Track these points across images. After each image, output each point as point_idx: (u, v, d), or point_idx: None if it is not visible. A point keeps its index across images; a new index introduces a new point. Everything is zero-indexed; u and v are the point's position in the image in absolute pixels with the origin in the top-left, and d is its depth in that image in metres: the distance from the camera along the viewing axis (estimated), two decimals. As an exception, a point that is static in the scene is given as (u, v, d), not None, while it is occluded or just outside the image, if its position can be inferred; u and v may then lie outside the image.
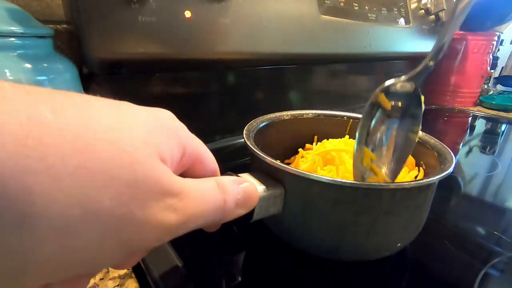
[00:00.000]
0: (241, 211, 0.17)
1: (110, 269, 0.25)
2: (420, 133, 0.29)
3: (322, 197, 0.23)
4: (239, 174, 0.21)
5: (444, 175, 0.23)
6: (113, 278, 0.24)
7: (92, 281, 0.23)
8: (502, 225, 0.33)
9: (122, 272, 0.24)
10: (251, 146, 0.26)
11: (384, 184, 0.22)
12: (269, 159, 0.24)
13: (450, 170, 0.24)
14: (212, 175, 0.18)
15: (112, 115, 0.12)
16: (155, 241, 0.13)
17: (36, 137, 0.09)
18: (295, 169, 0.22)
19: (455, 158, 0.26)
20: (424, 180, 0.22)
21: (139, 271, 0.25)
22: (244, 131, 0.29)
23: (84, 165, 0.10)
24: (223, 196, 0.15)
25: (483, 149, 0.60)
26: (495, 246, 0.29)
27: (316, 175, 0.22)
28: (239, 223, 0.18)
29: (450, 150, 0.27)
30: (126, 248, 0.12)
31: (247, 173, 0.23)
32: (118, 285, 0.23)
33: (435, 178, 0.22)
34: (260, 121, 0.33)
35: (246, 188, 0.18)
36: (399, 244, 0.25)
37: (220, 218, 0.16)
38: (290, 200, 0.24)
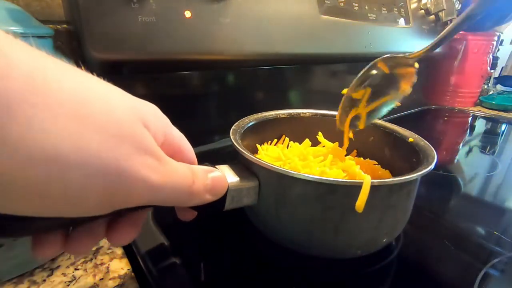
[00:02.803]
0: (209, 197, 0.19)
1: (110, 269, 0.25)
2: (415, 135, 0.31)
3: (291, 191, 0.23)
4: (217, 166, 0.22)
5: (413, 177, 0.22)
6: (113, 278, 0.24)
7: (92, 281, 0.23)
8: (502, 225, 0.33)
9: (122, 272, 0.24)
10: (233, 140, 0.27)
11: (349, 181, 0.22)
12: (245, 152, 0.24)
13: (418, 174, 0.23)
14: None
15: (106, 85, 0.14)
16: (137, 197, 0.14)
17: (40, 79, 0.11)
18: (266, 163, 0.23)
19: (435, 162, 0.25)
20: (390, 180, 0.22)
21: (139, 271, 0.25)
22: (233, 126, 0.30)
23: (78, 112, 0.11)
24: (192, 178, 0.17)
25: (483, 149, 0.60)
26: (495, 246, 0.29)
27: (285, 170, 0.22)
28: (228, 215, 0.18)
29: (435, 153, 0.27)
30: (107, 196, 0.13)
31: (226, 165, 0.24)
32: (118, 285, 0.23)
33: (402, 178, 0.22)
34: (254, 119, 0.34)
35: (214, 177, 0.19)
36: (372, 245, 0.25)
37: (188, 198, 0.17)
38: (264, 192, 0.24)
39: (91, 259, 0.26)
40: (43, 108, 0.10)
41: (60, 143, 0.11)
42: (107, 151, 0.12)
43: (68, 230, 0.16)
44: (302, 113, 0.38)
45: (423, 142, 0.29)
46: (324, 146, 0.35)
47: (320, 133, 0.35)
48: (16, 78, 0.10)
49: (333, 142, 0.35)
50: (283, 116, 0.37)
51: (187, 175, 0.17)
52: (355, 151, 0.37)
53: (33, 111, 0.10)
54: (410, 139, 0.31)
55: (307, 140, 0.36)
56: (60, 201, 0.12)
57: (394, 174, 0.32)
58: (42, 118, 0.10)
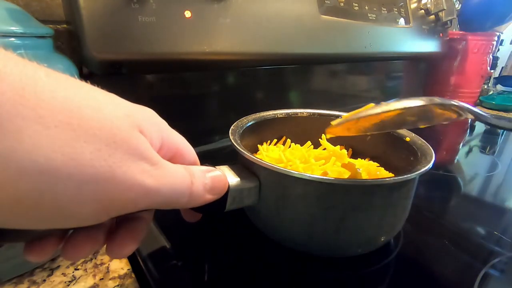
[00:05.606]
0: (210, 196, 0.19)
1: (110, 269, 0.25)
2: (413, 134, 0.31)
3: (292, 190, 0.23)
4: (217, 166, 0.22)
5: (412, 176, 0.23)
6: (113, 278, 0.24)
7: (92, 281, 0.23)
8: (502, 225, 0.33)
9: (122, 272, 0.24)
10: (233, 140, 0.27)
11: (350, 180, 0.22)
12: (245, 153, 0.25)
13: (418, 172, 0.23)
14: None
15: (100, 92, 0.14)
16: (133, 202, 0.14)
17: (31, 91, 0.11)
18: (267, 163, 0.23)
19: (433, 161, 0.25)
20: (390, 179, 0.22)
21: (139, 271, 0.25)
22: (232, 126, 0.30)
23: (70, 121, 0.11)
24: (191, 179, 0.17)
25: (483, 149, 0.60)
26: (495, 246, 0.29)
27: (286, 169, 0.22)
28: (228, 216, 0.18)
29: (433, 152, 0.27)
30: (103, 203, 0.13)
31: (226, 166, 0.24)
32: (118, 285, 0.23)
33: (402, 177, 0.22)
34: (252, 119, 0.34)
35: (214, 176, 0.19)
36: (372, 243, 0.25)
37: (188, 199, 0.17)
38: (264, 192, 0.24)
39: (91, 259, 0.26)
40: (34, 120, 0.10)
41: (52, 154, 0.11)
42: (100, 159, 0.12)
43: (65, 234, 0.16)
44: (300, 112, 0.38)
45: (420, 141, 0.30)
46: (325, 149, 0.35)
47: (323, 136, 0.35)
48: (6, 91, 0.10)
49: (330, 141, 0.35)
50: (281, 116, 0.37)
51: (184, 176, 0.17)
52: (350, 150, 0.37)
53: (24, 123, 0.10)
54: (407, 138, 0.31)
55: (308, 142, 0.36)
56: (54, 213, 0.12)
57: (392, 173, 0.32)
58: (33, 131, 0.10)
